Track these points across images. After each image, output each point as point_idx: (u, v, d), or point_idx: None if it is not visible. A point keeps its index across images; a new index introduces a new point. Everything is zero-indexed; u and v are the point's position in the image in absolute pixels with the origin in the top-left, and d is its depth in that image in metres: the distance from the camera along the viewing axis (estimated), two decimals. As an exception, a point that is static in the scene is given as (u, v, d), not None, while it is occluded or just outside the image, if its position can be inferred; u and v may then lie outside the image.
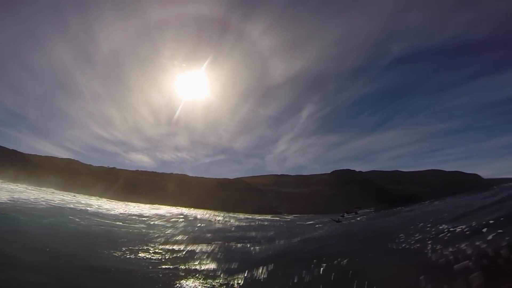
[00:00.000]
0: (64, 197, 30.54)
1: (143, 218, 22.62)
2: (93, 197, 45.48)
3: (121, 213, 24.72)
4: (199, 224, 23.40)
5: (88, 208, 23.29)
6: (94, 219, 16.77)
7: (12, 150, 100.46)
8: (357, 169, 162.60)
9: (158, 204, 59.16)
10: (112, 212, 24.06)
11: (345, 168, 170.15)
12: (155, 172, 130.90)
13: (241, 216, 42.24)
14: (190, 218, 27.21)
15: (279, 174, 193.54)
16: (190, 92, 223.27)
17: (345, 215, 43.04)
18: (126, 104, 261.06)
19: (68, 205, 22.26)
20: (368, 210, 39.34)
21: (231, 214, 46.01)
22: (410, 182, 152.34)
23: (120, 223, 17.44)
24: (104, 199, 46.05)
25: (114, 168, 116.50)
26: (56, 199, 26.00)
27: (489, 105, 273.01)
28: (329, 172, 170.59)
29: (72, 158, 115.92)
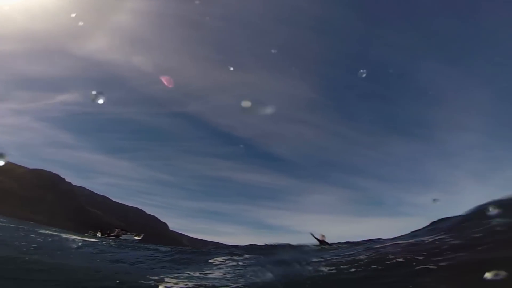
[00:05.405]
0: None
1: None
2: None
3: None
4: None
5: None
6: None
7: None
8: (67, 178, 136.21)
9: None
10: None
11: (53, 171, 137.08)
12: None
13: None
14: None
15: None
16: None
17: (99, 235, 29.20)
18: None
19: None
20: (135, 238, 30.31)
21: None
22: (112, 212, 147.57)
23: None
24: None
25: None
26: None
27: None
28: (30, 167, 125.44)
29: None
